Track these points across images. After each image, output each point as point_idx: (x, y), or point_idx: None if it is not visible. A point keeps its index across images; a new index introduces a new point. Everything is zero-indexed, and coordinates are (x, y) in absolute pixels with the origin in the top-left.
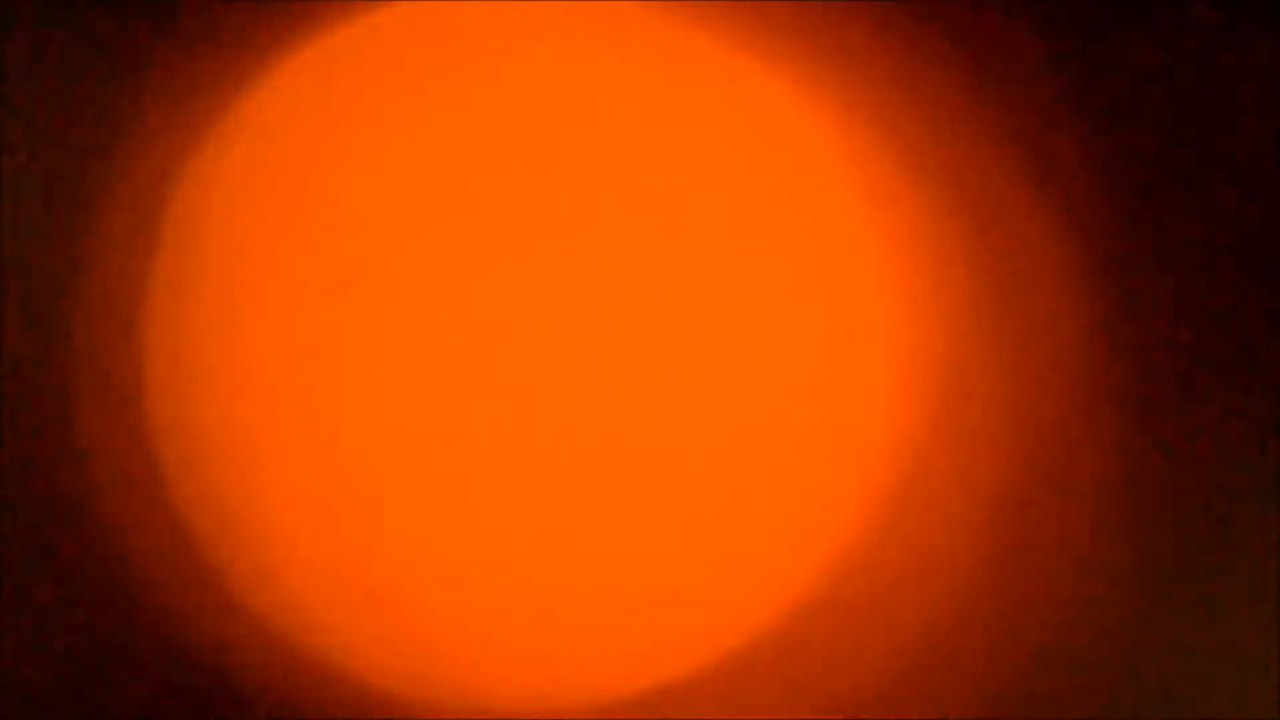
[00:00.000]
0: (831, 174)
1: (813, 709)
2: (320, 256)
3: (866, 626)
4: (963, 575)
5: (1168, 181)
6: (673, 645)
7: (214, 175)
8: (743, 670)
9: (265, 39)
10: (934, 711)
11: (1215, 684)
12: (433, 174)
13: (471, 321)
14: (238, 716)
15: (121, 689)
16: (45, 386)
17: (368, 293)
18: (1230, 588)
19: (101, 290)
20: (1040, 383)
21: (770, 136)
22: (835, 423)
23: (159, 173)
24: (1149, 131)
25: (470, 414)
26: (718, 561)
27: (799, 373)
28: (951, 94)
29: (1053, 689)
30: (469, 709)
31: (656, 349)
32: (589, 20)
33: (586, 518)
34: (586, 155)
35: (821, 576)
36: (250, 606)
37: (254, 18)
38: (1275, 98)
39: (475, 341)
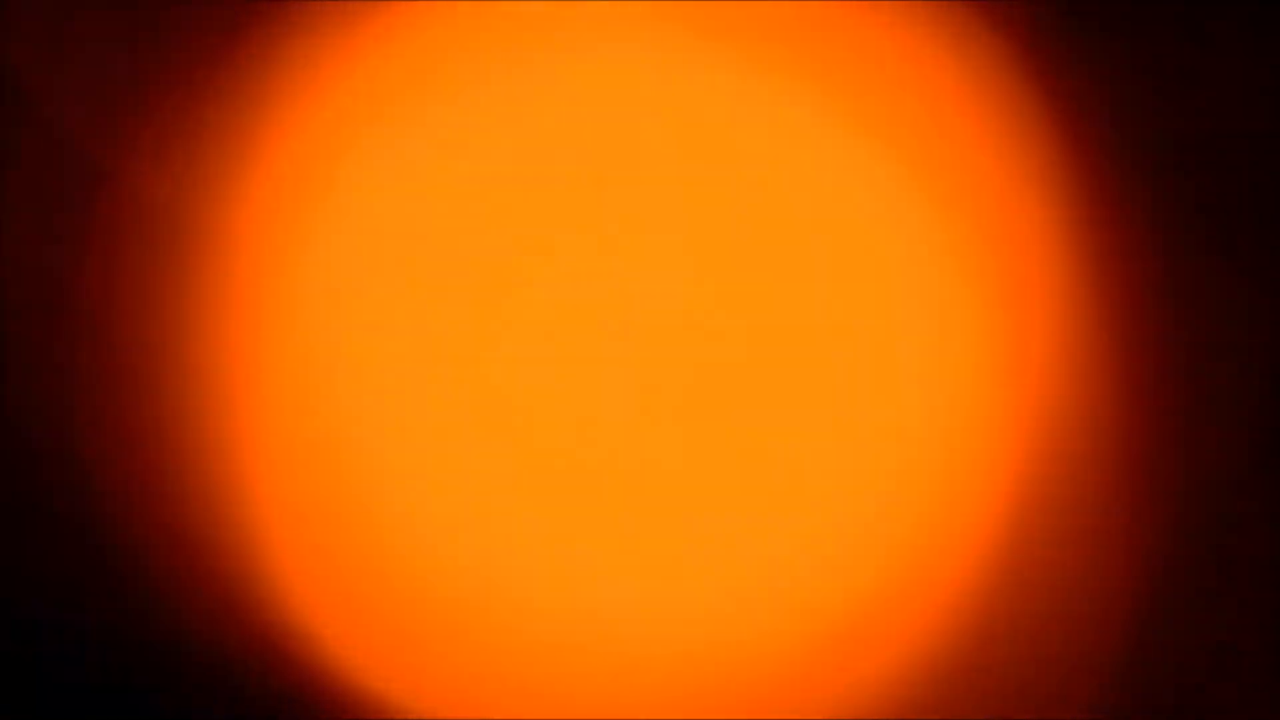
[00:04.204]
0: (835, 174)
1: (821, 710)
2: (325, 256)
3: (876, 629)
4: (968, 580)
5: (1170, 177)
6: (676, 647)
7: (219, 176)
8: (748, 674)
9: (271, 38)
10: (942, 713)
11: (1217, 685)
12: (446, 174)
13: (481, 322)
14: (240, 717)
15: (121, 690)
16: (46, 389)
17: (375, 293)
18: (1232, 587)
19: (103, 292)
20: (1044, 383)
21: (774, 138)
22: (837, 425)
23: (164, 173)
24: (1150, 127)
25: (475, 415)
26: (720, 567)
27: (799, 376)
28: (954, 93)
29: (1058, 690)
30: (469, 710)
31: (668, 349)
32: (595, 21)
33: (589, 521)
34: (591, 156)
35: (831, 580)
36: (251, 608)
37: (259, 18)
38: (1275, 95)
39: (485, 341)
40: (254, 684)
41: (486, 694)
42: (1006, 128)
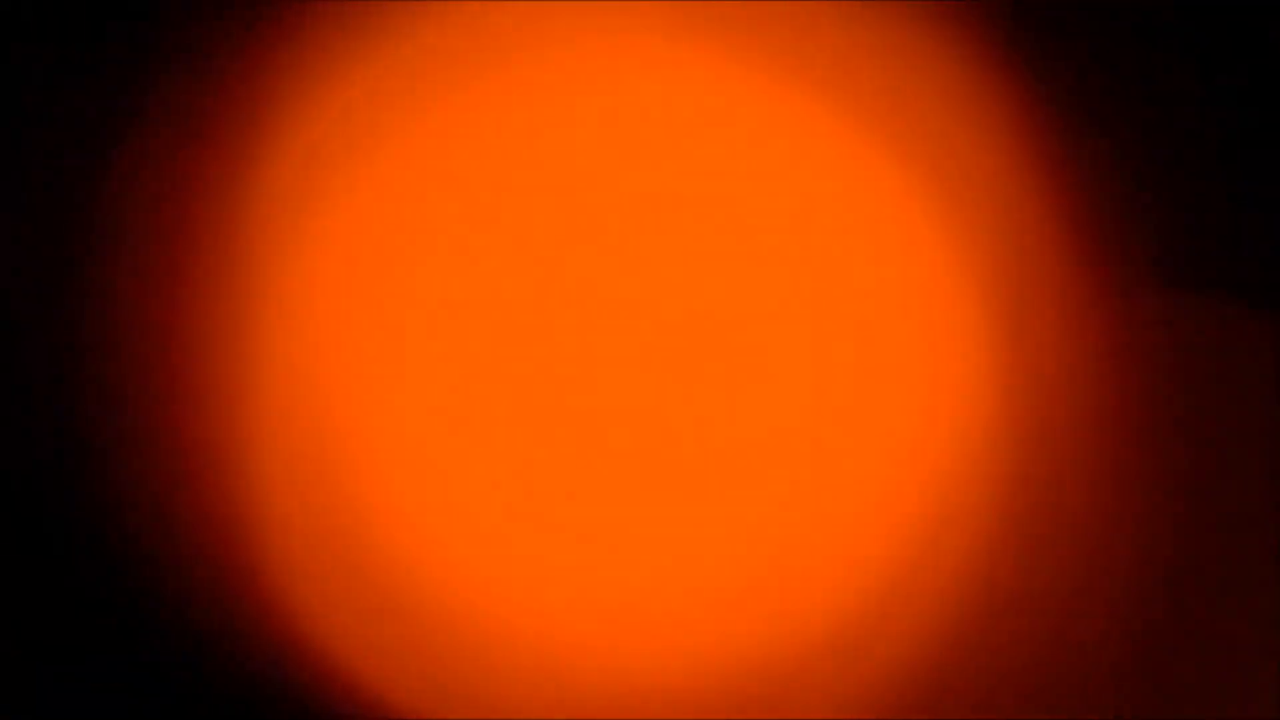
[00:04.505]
0: (839, 176)
1: (820, 711)
2: (326, 256)
3: (874, 631)
4: (966, 581)
5: (1174, 178)
6: (675, 648)
7: (217, 176)
8: (747, 675)
9: (273, 38)
10: (941, 714)
11: (1216, 684)
12: (450, 176)
13: (484, 323)
14: (240, 716)
15: (122, 690)
16: (50, 389)
17: (379, 293)
18: (1232, 589)
19: (105, 292)
20: (1049, 385)
21: (777, 139)
22: (837, 425)
23: (163, 174)
24: (1155, 130)
25: (475, 415)
26: (718, 567)
27: (803, 377)
28: (959, 94)
29: (1056, 690)
30: (469, 710)
31: (665, 350)
32: (601, 23)
33: (586, 521)
34: (593, 157)
35: (828, 580)
36: (251, 608)
37: (259, 18)
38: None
39: (488, 342)
40: (254, 684)
41: (486, 694)
42: (1005, 127)
